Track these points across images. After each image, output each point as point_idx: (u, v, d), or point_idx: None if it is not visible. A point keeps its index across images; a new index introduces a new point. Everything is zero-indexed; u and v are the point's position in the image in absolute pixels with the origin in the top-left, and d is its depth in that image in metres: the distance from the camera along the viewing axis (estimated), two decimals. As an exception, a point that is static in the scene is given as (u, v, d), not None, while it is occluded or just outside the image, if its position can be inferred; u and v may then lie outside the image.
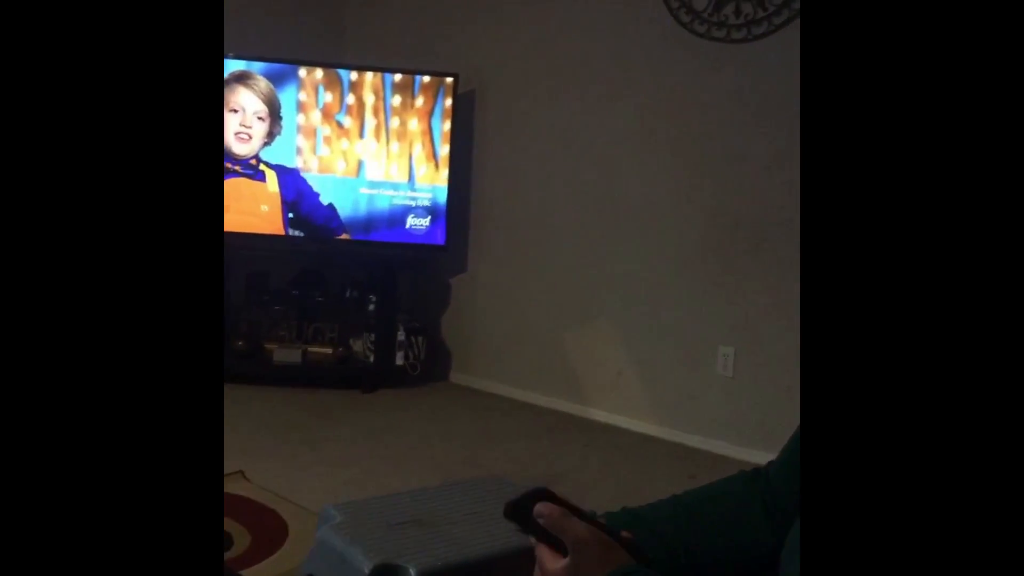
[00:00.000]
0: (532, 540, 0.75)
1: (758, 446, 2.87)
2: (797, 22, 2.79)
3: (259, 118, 3.51)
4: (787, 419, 2.90)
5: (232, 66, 3.41)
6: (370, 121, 3.59)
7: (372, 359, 3.68)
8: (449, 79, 3.58)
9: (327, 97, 3.56)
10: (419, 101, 3.59)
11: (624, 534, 0.78)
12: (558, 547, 0.73)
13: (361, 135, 3.60)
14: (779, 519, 0.85)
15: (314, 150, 3.58)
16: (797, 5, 2.79)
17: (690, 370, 3.15)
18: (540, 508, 0.74)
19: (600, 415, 3.40)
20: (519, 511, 0.75)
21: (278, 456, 2.66)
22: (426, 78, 3.58)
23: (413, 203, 3.63)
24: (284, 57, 3.54)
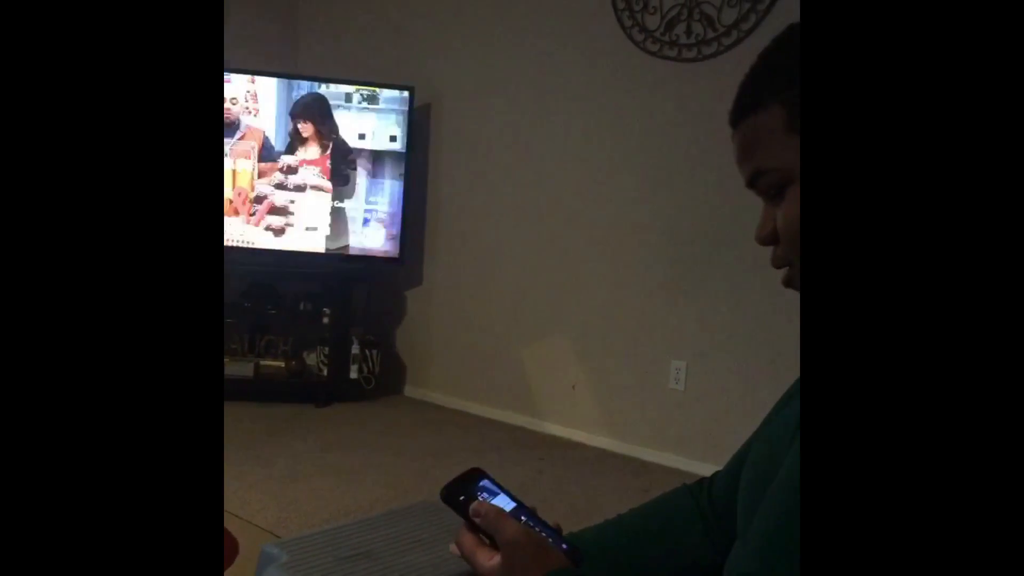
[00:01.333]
0: (464, 526, 0.75)
1: (709, 459, 2.91)
2: (746, 43, 2.86)
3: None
4: (737, 432, 2.94)
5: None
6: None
7: (326, 373, 3.65)
8: (405, 92, 3.58)
9: (281, 109, 3.54)
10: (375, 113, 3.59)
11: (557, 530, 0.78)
12: (493, 542, 0.73)
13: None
14: (719, 533, 0.85)
15: (268, 162, 3.55)
16: (746, 27, 2.86)
17: (643, 384, 3.19)
18: (476, 507, 0.74)
19: (554, 429, 3.42)
20: (454, 494, 0.76)
21: (230, 472, 2.62)
22: (382, 91, 3.58)
23: (369, 215, 3.62)
24: (237, 67, 3.51)
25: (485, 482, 0.79)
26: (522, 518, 0.76)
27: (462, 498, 0.76)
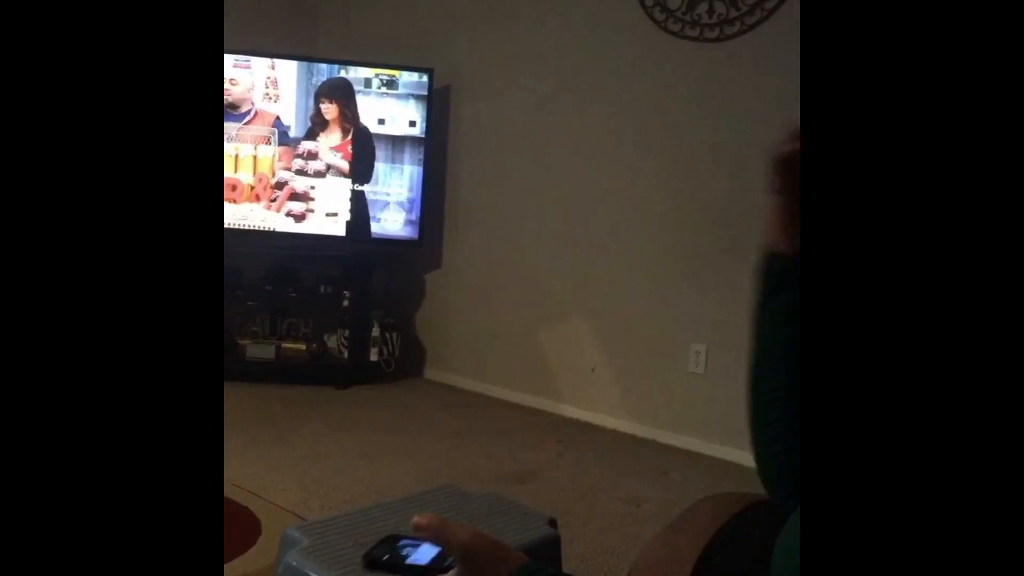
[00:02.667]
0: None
1: (729, 443, 2.90)
2: (769, 23, 2.82)
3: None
4: (758, 415, 2.93)
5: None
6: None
7: (346, 355, 3.67)
8: (424, 75, 3.57)
9: (301, 92, 3.54)
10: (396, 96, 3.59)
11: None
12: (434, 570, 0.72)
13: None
14: None
15: (288, 145, 3.56)
16: (769, 5, 2.82)
17: (662, 367, 3.18)
18: (417, 520, 0.71)
19: (573, 412, 3.42)
20: (377, 558, 0.75)
21: (251, 453, 2.65)
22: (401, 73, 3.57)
23: (388, 198, 3.63)
24: (256, 50, 3.51)
25: (404, 540, 0.77)
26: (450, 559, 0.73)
27: (387, 557, 0.75)
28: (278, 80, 3.53)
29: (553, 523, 1.43)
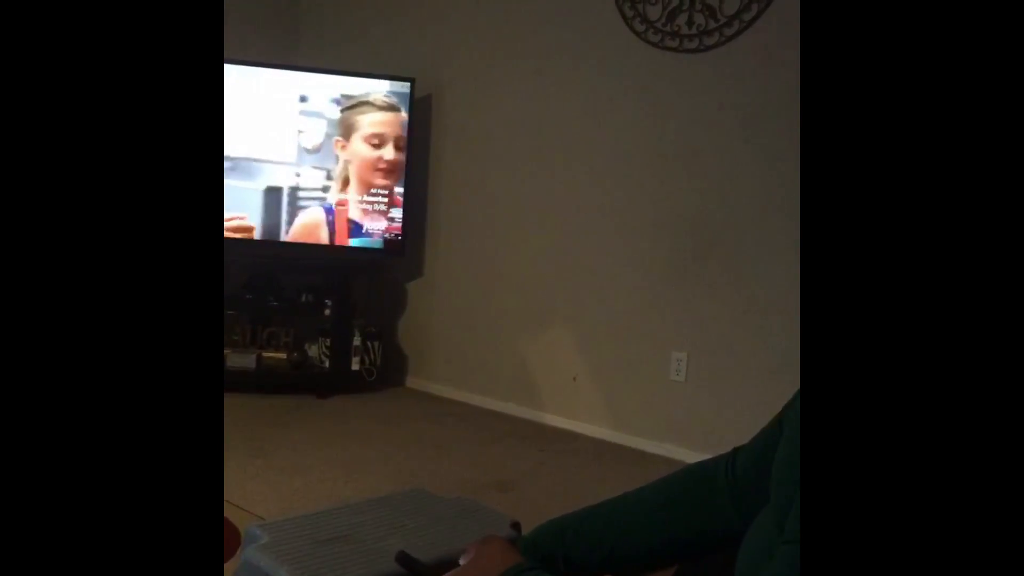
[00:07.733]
0: None
1: (710, 450, 2.90)
2: (748, 33, 2.85)
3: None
4: (738, 423, 2.96)
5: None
6: (326, 125, 3.57)
7: (327, 364, 3.65)
8: (406, 84, 3.58)
9: (282, 100, 3.54)
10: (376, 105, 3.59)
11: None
12: None
13: (317, 139, 3.58)
14: (745, 504, 0.85)
15: (269, 153, 3.55)
16: (748, 17, 2.84)
17: (643, 375, 3.19)
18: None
19: (555, 420, 3.42)
20: (410, 563, 0.91)
21: (231, 463, 2.63)
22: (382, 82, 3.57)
23: (369, 206, 3.62)
24: (236, 59, 3.50)
25: None
26: None
27: (415, 567, 0.90)
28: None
29: (516, 526, 1.44)
